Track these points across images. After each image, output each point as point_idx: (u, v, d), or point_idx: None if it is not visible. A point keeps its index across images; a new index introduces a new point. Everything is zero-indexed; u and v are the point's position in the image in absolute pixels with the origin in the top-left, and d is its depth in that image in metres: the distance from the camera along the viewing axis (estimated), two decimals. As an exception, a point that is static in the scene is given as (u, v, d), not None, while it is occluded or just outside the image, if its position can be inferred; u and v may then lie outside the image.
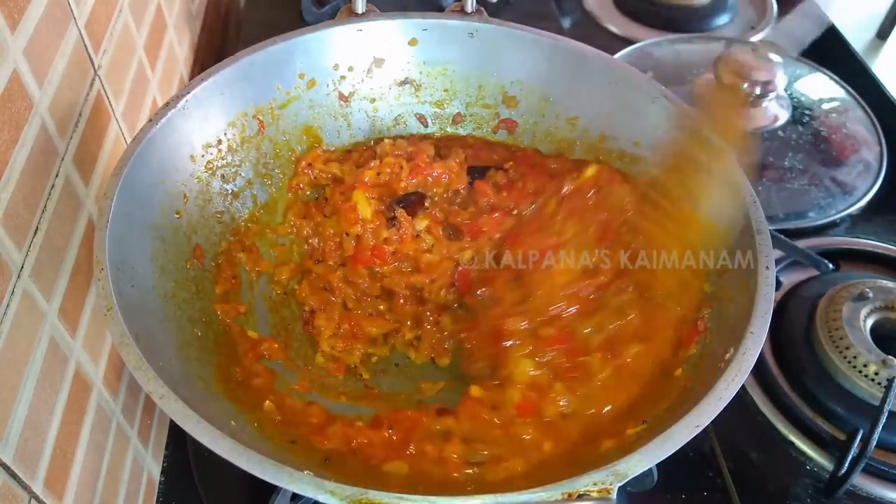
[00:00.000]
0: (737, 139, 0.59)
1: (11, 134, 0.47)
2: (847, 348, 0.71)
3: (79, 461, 0.53)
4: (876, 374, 0.69)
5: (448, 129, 0.78)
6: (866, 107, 1.02)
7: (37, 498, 0.46)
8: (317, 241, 0.71)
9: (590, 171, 0.69)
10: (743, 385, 0.48)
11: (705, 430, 0.46)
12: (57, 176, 0.53)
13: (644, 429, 0.52)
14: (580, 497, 0.42)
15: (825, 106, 1.03)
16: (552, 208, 0.70)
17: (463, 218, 0.71)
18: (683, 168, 0.64)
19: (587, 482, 0.42)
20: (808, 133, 0.98)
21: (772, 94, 0.98)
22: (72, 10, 0.57)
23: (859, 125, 1.00)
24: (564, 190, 0.69)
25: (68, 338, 0.53)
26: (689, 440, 0.45)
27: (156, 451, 0.68)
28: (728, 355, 0.50)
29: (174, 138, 0.62)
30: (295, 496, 0.55)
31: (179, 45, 0.92)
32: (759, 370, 0.74)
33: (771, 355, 0.75)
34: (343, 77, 0.74)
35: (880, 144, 0.98)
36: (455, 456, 0.54)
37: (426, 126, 0.78)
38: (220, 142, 0.67)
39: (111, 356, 0.60)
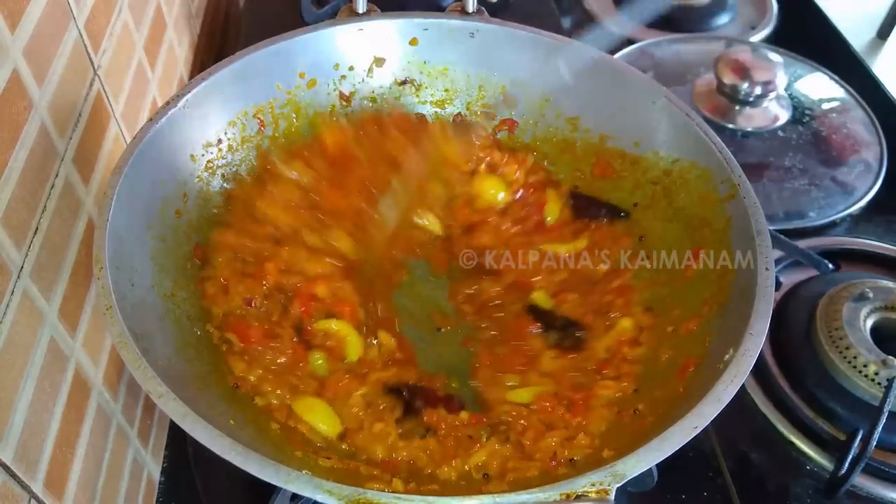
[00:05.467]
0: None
1: (11, 134, 0.47)
2: (847, 348, 0.71)
3: (79, 461, 0.52)
4: (876, 374, 0.69)
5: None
6: (866, 107, 1.02)
7: (36, 498, 0.46)
8: None
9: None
10: (743, 385, 0.48)
11: (705, 431, 0.46)
12: (57, 176, 0.53)
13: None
14: (578, 498, 0.42)
15: (825, 106, 1.03)
16: None
17: None
18: None
19: (585, 483, 0.42)
20: (808, 133, 0.98)
21: (772, 94, 0.98)
22: (71, 11, 0.57)
23: (859, 125, 1.00)
24: None
25: (68, 338, 0.53)
26: (687, 441, 0.45)
27: (156, 451, 0.68)
28: (727, 356, 0.50)
29: (174, 138, 0.62)
30: (295, 496, 0.55)
31: (179, 45, 0.92)
32: (760, 370, 0.74)
33: (771, 355, 0.75)
34: (344, 77, 0.74)
35: (880, 144, 0.98)
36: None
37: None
38: (220, 141, 0.67)
39: (111, 356, 0.60)
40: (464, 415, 0.59)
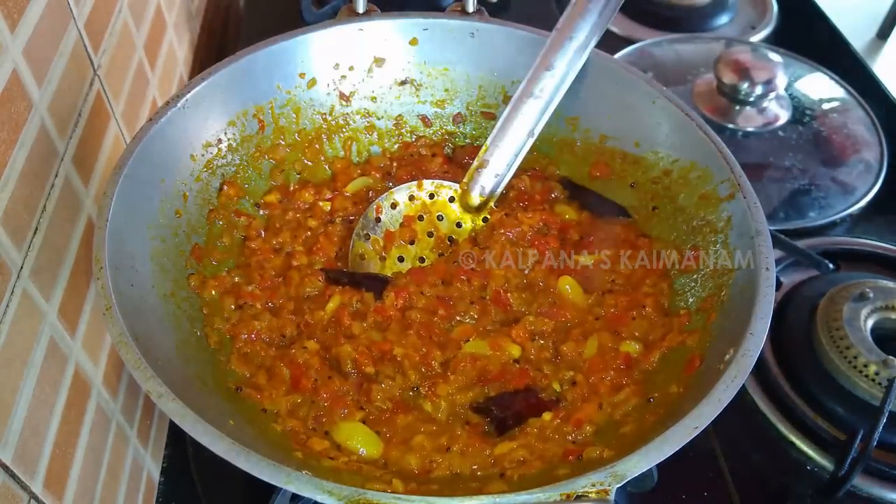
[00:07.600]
0: None
1: (11, 134, 0.47)
2: (847, 348, 0.71)
3: (78, 461, 0.52)
4: (876, 374, 0.69)
5: (449, 129, 0.78)
6: (866, 107, 1.02)
7: (36, 498, 0.46)
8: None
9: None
10: (743, 385, 0.48)
11: (705, 431, 0.45)
12: (57, 176, 0.53)
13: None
14: (578, 498, 0.42)
15: (825, 106, 1.03)
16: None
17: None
18: None
19: (585, 483, 0.42)
20: (808, 133, 0.98)
21: (772, 94, 0.98)
22: (71, 10, 0.57)
23: (859, 125, 1.00)
24: None
25: (68, 338, 0.53)
26: (687, 441, 0.45)
27: (155, 451, 0.68)
28: (728, 356, 0.50)
29: (174, 138, 0.62)
30: (295, 496, 0.55)
31: (179, 45, 0.92)
32: (760, 370, 0.74)
33: (771, 355, 0.75)
34: (344, 77, 0.74)
35: (880, 144, 0.98)
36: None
37: (429, 126, 0.78)
38: (220, 141, 0.67)
39: (111, 356, 0.60)
40: (546, 416, 0.57)
